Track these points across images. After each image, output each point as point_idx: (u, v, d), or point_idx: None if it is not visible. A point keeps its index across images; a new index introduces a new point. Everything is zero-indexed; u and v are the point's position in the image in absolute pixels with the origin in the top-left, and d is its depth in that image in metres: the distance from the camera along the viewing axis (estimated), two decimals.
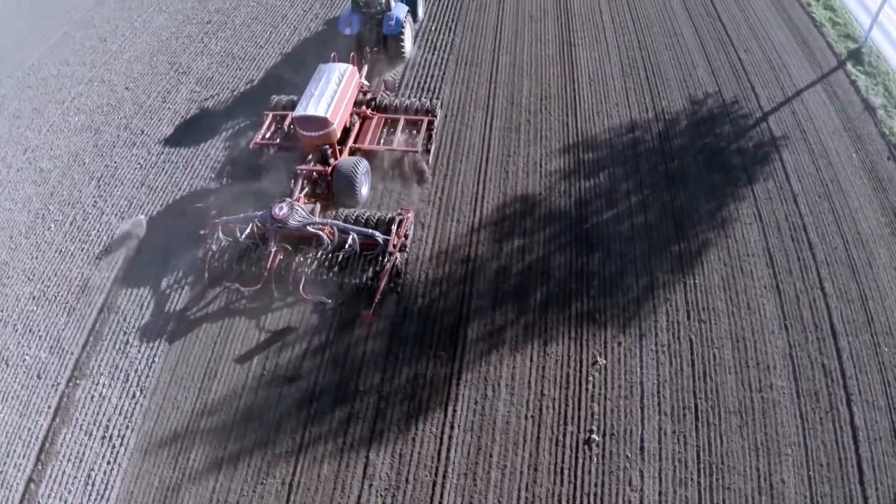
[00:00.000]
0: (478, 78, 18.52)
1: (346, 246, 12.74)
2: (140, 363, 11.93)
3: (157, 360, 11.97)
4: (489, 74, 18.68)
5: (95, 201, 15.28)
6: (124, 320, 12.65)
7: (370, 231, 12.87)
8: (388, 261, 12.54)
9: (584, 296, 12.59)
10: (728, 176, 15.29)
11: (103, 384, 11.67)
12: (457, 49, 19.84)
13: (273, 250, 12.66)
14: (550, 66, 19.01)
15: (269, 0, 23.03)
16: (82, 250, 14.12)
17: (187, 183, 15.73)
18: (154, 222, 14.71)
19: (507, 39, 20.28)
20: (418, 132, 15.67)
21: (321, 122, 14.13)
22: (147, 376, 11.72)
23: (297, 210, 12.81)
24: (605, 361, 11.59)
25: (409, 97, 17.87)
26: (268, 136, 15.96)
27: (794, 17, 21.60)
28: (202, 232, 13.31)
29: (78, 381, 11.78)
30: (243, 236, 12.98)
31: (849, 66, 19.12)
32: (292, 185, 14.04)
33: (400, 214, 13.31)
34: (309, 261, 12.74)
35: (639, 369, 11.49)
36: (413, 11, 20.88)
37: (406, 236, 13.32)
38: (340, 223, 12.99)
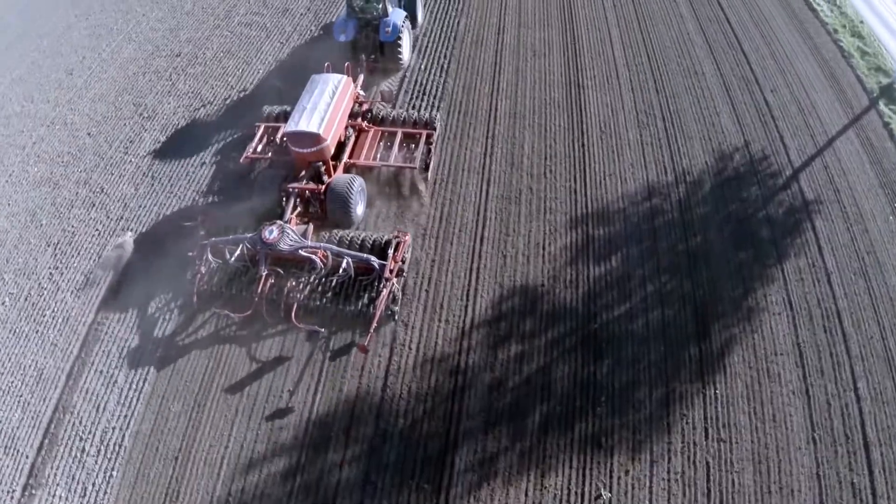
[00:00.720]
0: (472, 132, 16.79)
1: (341, 270, 12.34)
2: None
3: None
4: (486, 127, 16.95)
5: (51, 273, 14.13)
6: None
7: (366, 256, 12.43)
8: (384, 286, 12.11)
9: (590, 415, 11.22)
10: (756, 252, 13.73)
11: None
12: (449, 94, 18.02)
13: (263, 274, 12.28)
14: (556, 115, 17.20)
15: (244, 30, 21.46)
16: (37, 332, 13.01)
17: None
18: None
19: (507, 81, 18.38)
20: (416, 146, 15.21)
21: (314, 139, 13.58)
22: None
23: (288, 233, 12.35)
24: (609, 495, 10.28)
25: (406, 108, 17.32)
26: (259, 149, 15.46)
27: (821, 45, 19.83)
28: (190, 254, 12.89)
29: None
30: (233, 258, 12.55)
31: (881, 104, 17.52)
32: (284, 204, 13.54)
33: (397, 237, 12.88)
34: (301, 286, 12.45)
35: (648, 503, 10.30)
36: (412, 16, 19.96)
37: (403, 260, 12.98)
38: (334, 247, 12.55)
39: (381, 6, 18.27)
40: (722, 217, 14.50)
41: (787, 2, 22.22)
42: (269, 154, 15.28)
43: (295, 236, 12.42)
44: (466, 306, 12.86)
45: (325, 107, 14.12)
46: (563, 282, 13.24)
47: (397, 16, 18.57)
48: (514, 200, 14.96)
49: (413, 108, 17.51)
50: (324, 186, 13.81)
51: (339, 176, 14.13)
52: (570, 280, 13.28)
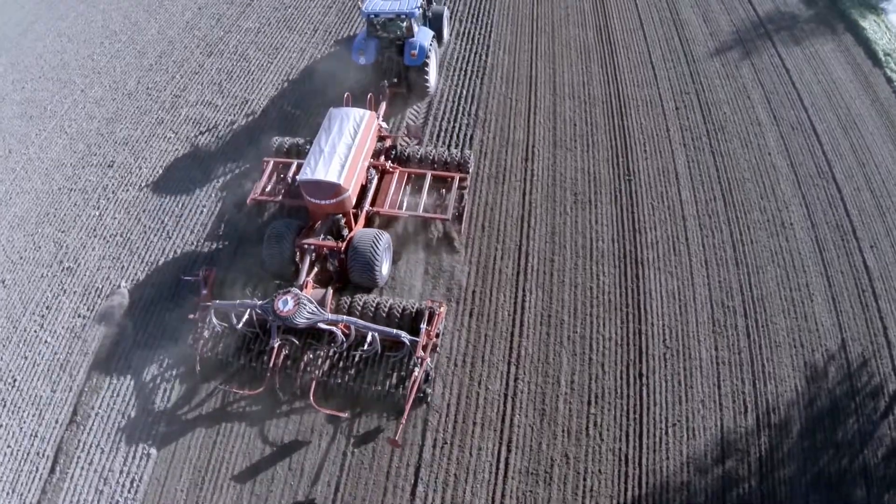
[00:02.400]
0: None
1: (366, 346, 11.13)
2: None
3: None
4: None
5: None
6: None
7: (395, 331, 11.13)
8: (415, 365, 10.86)
9: None
10: None
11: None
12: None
13: (276, 346, 11.12)
14: (605, 320, 12.73)
15: (189, 133, 17.98)
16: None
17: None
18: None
19: (536, 300, 13.17)
20: (448, 191, 13.76)
21: (333, 189, 12.20)
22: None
23: (305, 304, 11.01)
24: None
25: (435, 145, 15.73)
26: (268, 188, 14.09)
27: None
28: (192, 316, 11.78)
29: None
30: (240, 324, 11.39)
31: None
32: (298, 262, 12.25)
33: (431, 307, 11.48)
34: (320, 360, 11.28)
35: None
36: (438, 34, 18.26)
37: (437, 334, 11.62)
38: (359, 321, 11.26)
39: (405, 24, 16.44)
40: (810, 479, 10.92)
41: (881, 103, 18.28)
42: (280, 196, 13.94)
43: (313, 308, 11.08)
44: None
45: (345, 150, 12.73)
46: None
47: (424, 36, 16.70)
48: (542, 479, 10.77)
49: (441, 142, 15.93)
50: (344, 243, 12.46)
51: (362, 232, 12.74)
52: None
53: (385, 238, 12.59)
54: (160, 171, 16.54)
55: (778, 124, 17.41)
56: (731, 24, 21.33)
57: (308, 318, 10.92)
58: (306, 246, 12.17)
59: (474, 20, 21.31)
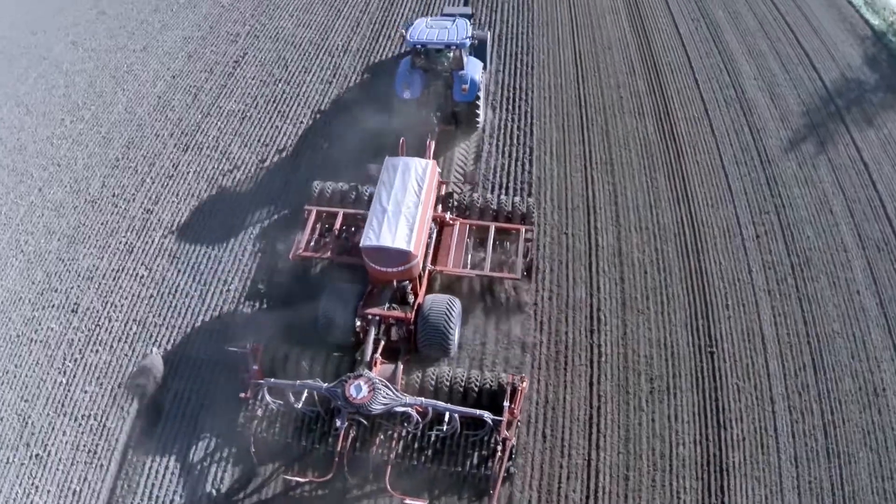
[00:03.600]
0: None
1: (445, 427, 10.39)
2: None
3: None
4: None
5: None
6: None
7: (478, 412, 10.43)
8: (498, 444, 10.23)
9: None
10: None
11: None
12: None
13: (342, 428, 10.31)
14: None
15: (165, 268, 14.94)
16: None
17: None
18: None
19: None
20: (512, 243, 13.18)
21: (402, 257, 11.40)
22: None
23: (380, 389, 10.19)
24: None
25: (493, 190, 14.97)
26: (313, 241, 13.12)
27: None
28: (242, 396, 10.87)
29: None
30: (301, 404, 10.66)
31: None
32: (361, 335, 11.37)
33: (511, 382, 10.85)
34: (393, 442, 10.55)
35: None
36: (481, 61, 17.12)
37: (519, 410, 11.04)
38: (439, 404, 10.50)
39: (452, 54, 15.47)
40: None
41: None
42: (328, 252, 12.95)
43: (389, 392, 10.26)
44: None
45: (412, 209, 11.81)
46: None
47: (474, 68, 15.82)
48: None
49: (492, 181, 15.05)
50: (413, 313, 11.62)
51: (431, 299, 11.85)
52: None
53: (457, 306, 11.87)
54: (132, 327, 13.20)
55: (864, 246, 15.02)
56: (799, 101, 18.68)
57: (384, 405, 10.16)
58: (371, 317, 11.35)
59: (510, 107, 17.86)
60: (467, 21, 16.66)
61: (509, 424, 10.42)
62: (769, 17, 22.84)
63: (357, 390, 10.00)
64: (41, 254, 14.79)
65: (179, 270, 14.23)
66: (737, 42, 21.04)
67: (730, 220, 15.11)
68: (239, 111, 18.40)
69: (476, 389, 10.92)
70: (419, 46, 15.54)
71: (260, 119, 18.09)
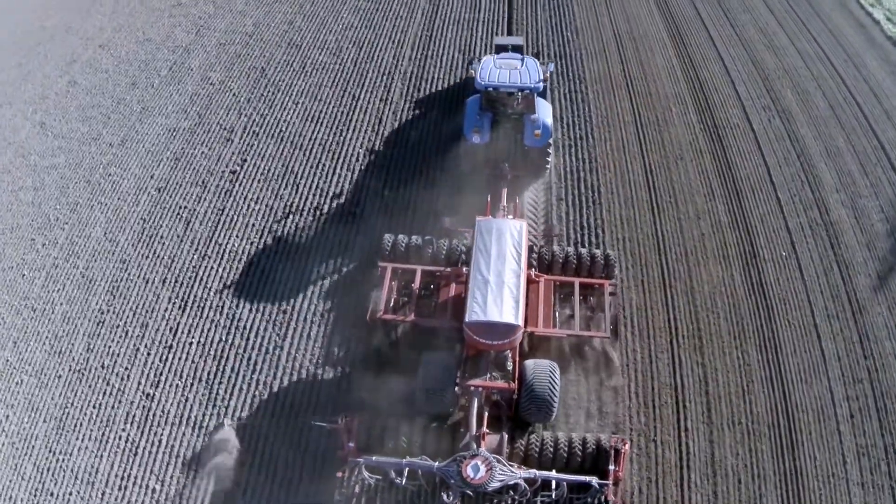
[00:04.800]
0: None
1: (554, 494, 10.48)
2: None
3: None
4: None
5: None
6: None
7: (587, 479, 10.62)
8: None
9: None
10: None
11: None
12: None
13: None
14: None
15: (179, 480, 12.37)
16: None
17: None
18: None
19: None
20: (596, 298, 13.28)
21: (510, 331, 11.39)
22: None
23: (495, 467, 10.22)
24: None
25: (571, 243, 14.99)
26: (391, 301, 12.85)
27: None
28: (339, 474, 10.75)
29: None
30: (404, 480, 10.55)
31: None
32: (466, 405, 11.33)
33: (615, 445, 10.96)
34: None
35: None
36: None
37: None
38: (551, 475, 10.61)
39: (521, 95, 15.15)
40: None
41: None
42: (410, 315, 12.68)
43: (504, 468, 10.32)
44: None
45: (513, 278, 11.82)
46: None
47: (545, 111, 15.64)
48: None
49: (565, 228, 15.13)
50: (515, 383, 11.48)
51: (533, 367, 11.58)
52: None
53: (557, 372, 11.66)
54: None
55: None
56: (882, 216, 16.92)
57: (501, 482, 10.23)
58: (473, 388, 11.22)
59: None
60: (536, 61, 16.34)
61: (616, 487, 10.68)
62: (838, 97, 20.89)
63: (475, 470, 10.05)
64: (27, 438, 12.42)
65: None
66: (812, 137, 19.09)
67: (824, 397, 13.43)
68: (242, 252, 15.55)
69: (580, 453, 11.00)
70: (491, 90, 15.24)
71: (267, 265, 15.20)
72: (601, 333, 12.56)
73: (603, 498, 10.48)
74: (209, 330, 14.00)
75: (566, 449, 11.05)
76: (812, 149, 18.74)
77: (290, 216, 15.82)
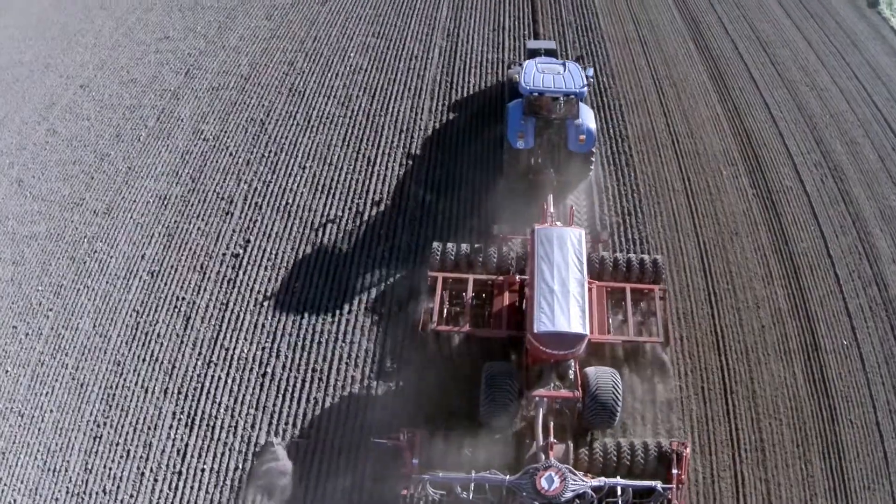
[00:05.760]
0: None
1: (619, 498, 10.59)
2: None
3: None
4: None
5: None
6: None
7: (652, 484, 10.76)
8: None
9: None
10: None
11: None
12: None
13: None
14: None
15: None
16: None
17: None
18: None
19: None
20: (647, 304, 13.58)
21: (578, 340, 11.55)
22: None
23: (568, 477, 10.30)
24: None
25: (619, 249, 15.64)
26: (444, 311, 13.05)
27: None
28: (404, 492, 10.69)
29: None
30: (471, 494, 10.62)
31: None
32: (528, 416, 11.81)
33: (675, 448, 11.21)
34: None
35: None
36: None
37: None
38: (620, 481, 10.72)
39: (565, 100, 15.42)
40: None
41: None
42: (465, 325, 12.73)
43: (576, 478, 10.40)
44: None
45: (578, 287, 11.95)
46: None
47: (588, 117, 15.80)
48: None
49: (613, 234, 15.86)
50: (580, 391, 11.57)
51: (595, 374, 11.72)
52: None
53: (619, 379, 11.79)
54: None
55: None
56: None
57: (574, 492, 10.32)
58: (538, 398, 11.32)
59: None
60: (578, 66, 16.59)
61: (680, 490, 10.89)
62: (886, 146, 20.04)
63: (549, 482, 10.13)
64: None
65: None
66: (865, 197, 18.29)
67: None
68: (253, 360, 13.96)
69: (642, 458, 11.22)
70: (535, 95, 15.37)
71: (283, 375, 13.64)
72: (654, 339, 12.91)
73: (666, 502, 10.75)
74: (222, 454, 12.56)
75: (629, 455, 11.31)
76: (866, 211, 17.94)
77: (304, 313, 14.45)
